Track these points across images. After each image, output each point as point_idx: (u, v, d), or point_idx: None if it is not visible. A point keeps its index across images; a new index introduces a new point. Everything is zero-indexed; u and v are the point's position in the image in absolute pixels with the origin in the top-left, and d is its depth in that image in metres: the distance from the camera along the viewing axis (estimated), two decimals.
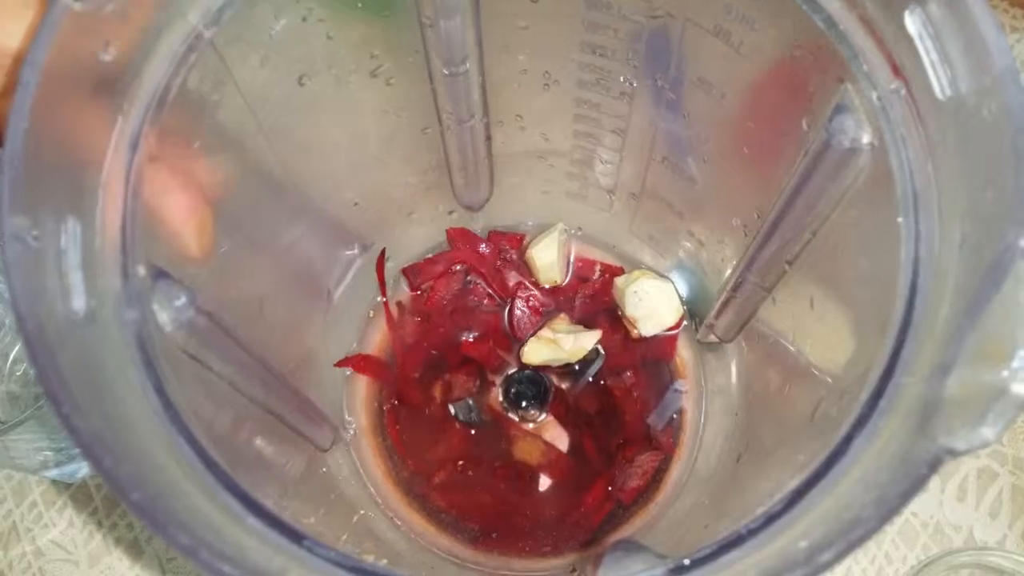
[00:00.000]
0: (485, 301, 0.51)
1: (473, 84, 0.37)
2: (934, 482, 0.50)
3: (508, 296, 0.51)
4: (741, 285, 0.39)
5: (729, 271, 0.42)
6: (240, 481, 0.23)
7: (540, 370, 0.49)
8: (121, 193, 0.24)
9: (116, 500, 0.49)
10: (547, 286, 0.51)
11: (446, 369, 0.50)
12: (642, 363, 0.49)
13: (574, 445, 0.48)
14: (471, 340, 0.50)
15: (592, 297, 0.51)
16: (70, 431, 0.21)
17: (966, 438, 0.19)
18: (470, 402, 0.49)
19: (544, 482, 0.48)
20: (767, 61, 0.32)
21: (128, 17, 0.24)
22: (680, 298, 0.49)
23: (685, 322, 0.49)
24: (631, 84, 0.38)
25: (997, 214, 0.21)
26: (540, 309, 0.50)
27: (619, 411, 0.48)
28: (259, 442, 0.34)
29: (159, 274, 0.25)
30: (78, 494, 0.52)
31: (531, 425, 0.49)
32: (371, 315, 0.51)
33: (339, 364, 0.49)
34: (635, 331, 0.49)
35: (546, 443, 0.48)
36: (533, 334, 0.49)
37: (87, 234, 0.23)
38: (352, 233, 0.47)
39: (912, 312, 0.23)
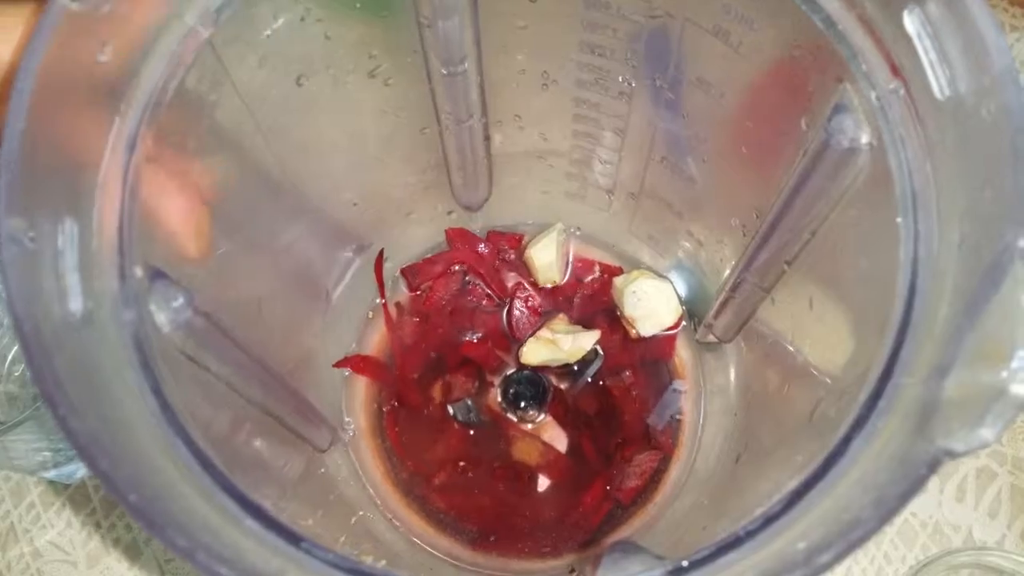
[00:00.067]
0: (484, 301, 0.51)
1: (471, 84, 0.37)
2: (933, 482, 0.50)
3: (507, 296, 0.51)
4: (740, 285, 0.39)
5: (728, 271, 0.42)
6: (238, 482, 0.23)
7: (539, 370, 0.49)
8: (118, 194, 0.24)
9: (114, 501, 0.49)
10: (546, 286, 0.51)
11: (445, 370, 0.50)
12: (641, 363, 0.49)
13: (573, 445, 0.48)
14: (470, 341, 0.50)
15: (591, 297, 0.51)
16: (66, 433, 0.20)
17: (965, 439, 0.19)
18: (469, 403, 0.49)
19: (543, 482, 0.48)
20: (766, 61, 0.32)
21: (125, 18, 0.24)
22: (679, 298, 0.49)
23: (684, 322, 0.49)
24: (630, 84, 0.38)
25: (996, 214, 0.21)
26: (539, 309, 0.50)
27: (618, 411, 0.48)
28: (257, 443, 0.34)
29: (156, 275, 0.25)
30: (76, 495, 0.52)
31: (530, 426, 0.49)
32: (370, 316, 0.51)
33: (338, 365, 0.49)
34: (634, 331, 0.49)
35: (545, 443, 0.48)
36: (532, 334, 0.49)
37: (84, 235, 0.23)
38: (351, 233, 0.47)
39: (911, 312, 0.23)
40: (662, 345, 0.49)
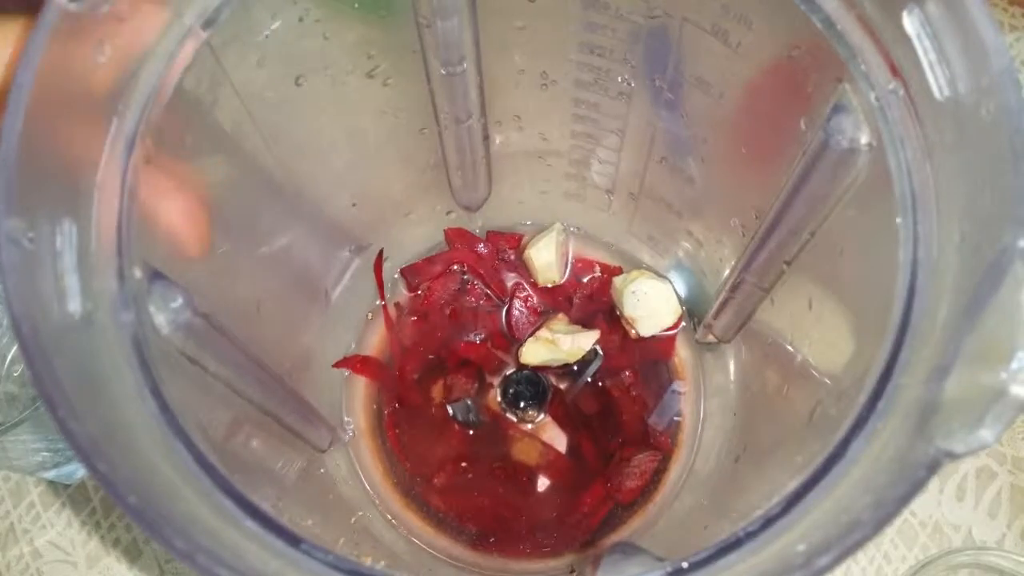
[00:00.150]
0: (483, 301, 0.51)
1: (471, 84, 0.37)
2: (933, 482, 0.50)
3: (506, 296, 0.51)
4: (739, 285, 0.39)
5: (727, 271, 0.42)
6: (237, 483, 0.23)
7: (538, 370, 0.49)
8: (117, 195, 0.24)
9: (114, 501, 0.49)
10: (546, 286, 0.51)
11: (445, 370, 0.50)
12: (640, 363, 0.49)
13: (572, 446, 0.48)
14: (469, 341, 0.50)
15: (590, 297, 0.51)
16: (65, 434, 0.20)
17: (964, 440, 0.19)
18: (468, 403, 0.49)
19: (542, 483, 0.48)
20: (765, 61, 0.32)
21: (123, 18, 0.24)
22: (679, 298, 0.49)
23: (683, 322, 0.49)
24: (629, 84, 0.38)
25: (996, 215, 0.21)
26: (538, 309, 0.50)
27: (617, 411, 0.48)
28: (256, 444, 0.34)
29: (155, 276, 0.25)
30: (76, 495, 0.52)
31: (529, 426, 0.49)
32: (369, 316, 0.51)
33: (337, 365, 0.49)
34: (633, 331, 0.49)
35: (544, 444, 0.48)
36: (531, 334, 0.49)
37: (82, 236, 0.23)
38: (350, 234, 0.47)
39: (910, 313, 0.23)
40: (662, 345, 0.49)
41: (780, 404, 0.38)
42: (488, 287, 0.51)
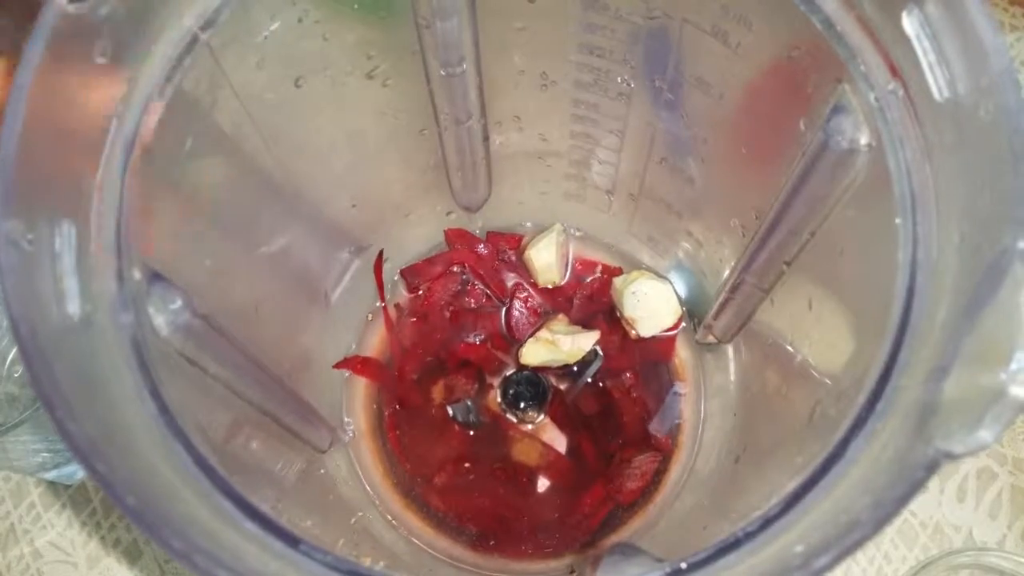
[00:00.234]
0: (483, 302, 0.51)
1: (470, 85, 0.37)
2: (933, 482, 0.50)
3: (506, 297, 0.51)
4: (739, 286, 0.39)
5: (727, 272, 0.42)
6: (236, 484, 0.23)
7: (538, 371, 0.49)
8: (116, 196, 0.24)
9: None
10: (546, 287, 0.51)
11: (445, 371, 0.50)
12: (641, 364, 0.49)
13: (572, 446, 0.48)
14: (469, 342, 0.50)
15: (590, 298, 0.51)
16: (64, 435, 0.20)
17: (964, 441, 0.19)
18: (468, 403, 0.49)
19: (543, 483, 0.48)
20: (765, 61, 0.32)
21: (123, 20, 0.24)
22: (679, 299, 0.49)
23: (683, 323, 0.49)
24: (629, 85, 0.38)
25: (995, 215, 0.21)
26: (538, 310, 0.50)
27: (617, 412, 0.48)
28: (256, 445, 0.34)
29: (154, 277, 0.25)
30: (76, 496, 0.52)
31: (529, 426, 0.49)
32: (369, 317, 0.51)
33: (337, 366, 0.49)
34: (634, 332, 0.49)
35: (544, 444, 0.48)
36: (531, 335, 0.49)
37: (82, 238, 0.23)
38: (349, 234, 0.47)
39: (910, 314, 0.23)
40: (662, 346, 0.49)
41: (780, 404, 0.38)
42: (488, 288, 0.51)
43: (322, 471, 0.43)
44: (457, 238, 0.51)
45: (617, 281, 0.49)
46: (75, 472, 0.50)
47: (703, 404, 0.49)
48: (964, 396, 0.20)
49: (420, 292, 0.51)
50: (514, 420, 0.49)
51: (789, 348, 0.37)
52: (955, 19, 0.22)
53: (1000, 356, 0.19)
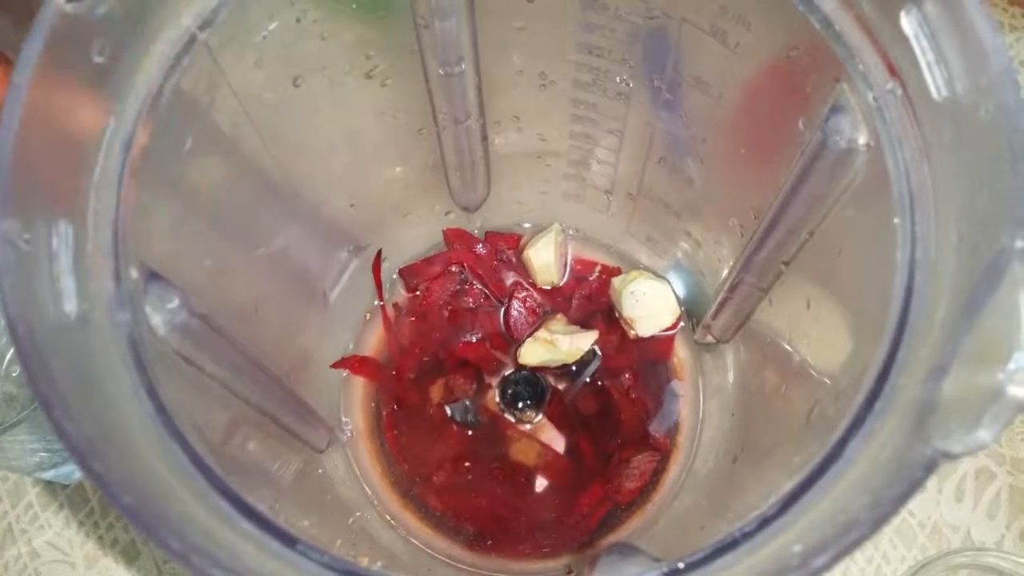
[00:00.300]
0: (482, 302, 0.51)
1: (469, 85, 0.37)
2: (932, 482, 0.50)
3: (505, 297, 0.51)
4: (738, 286, 0.39)
5: (726, 271, 0.42)
6: (234, 484, 0.23)
7: (537, 371, 0.49)
8: (113, 195, 0.24)
9: None
10: (544, 287, 0.51)
11: (443, 370, 0.50)
12: (639, 364, 0.49)
13: (571, 446, 0.48)
14: (468, 341, 0.50)
15: (589, 298, 0.51)
16: (61, 435, 0.20)
17: (962, 440, 0.19)
18: (467, 403, 0.49)
19: (541, 483, 0.48)
20: (764, 61, 0.32)
21: (120, 19, 0.24)
22: (677, 298, 0.49)
23: (682, 323, 0.49)
24: (628, 84, 0.38)
25: (994, 215, 0.21)
26: (537, 310, 0.50)
27: (616, 412, 0.48)
28: (253, 445, 0.34)
29: (152, 276, 0.25)
30: (74, 496, 0.51)
31: (528, 426, 0.49)
32: (367, 317, 0.51)
33: (335, 366, 0.49)
34: (632, 332, 0.49)
35: (543, 444, 0.48)
36: (530, 335, 0.49)
37: (79, 237, 0.23)
38: (348, 234, 0.47)
39: (908, 313, 0.23)
40: (660, 345, 0.49)
41: (778, 404, 0.38)
42: (487, 288, 0.51)
43: (320, 471, 0.43)
44: (456, 238, 0.51)
45: (616, 281, 0.49)
46: (73, 472, 0.50)
47: (701, 404, 0.49)
48: (962, 396, 0.20)
49: (418, 292, 0.51)
50: (512, 420, 0.49)
51: (787, 348, 0.37)
52: (954, 19, 0.22)
53: (999, 356, 0.19)
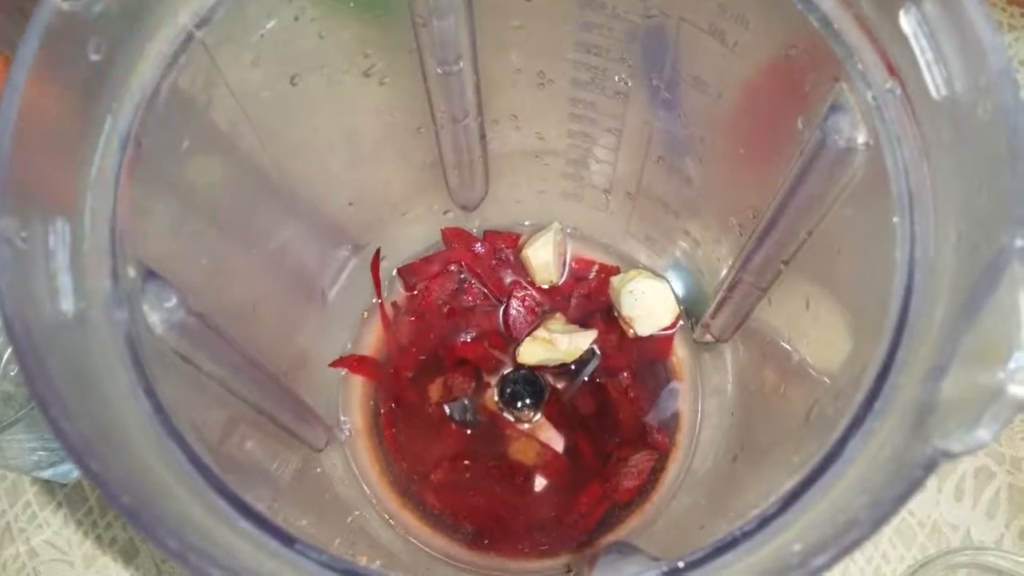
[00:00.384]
0: (480, 301, 0.51)
1: (467, 83, 0.37)
2: (931, 481, 0.50)
3: (504, 296, 0.51)
4: (737, 285, 0.39)
5: (725, 271, 0.42)
6: (232, 483, 0.23)
7: (536, 370, 0.49)
8: (110, 194, 0.24)
9: None
10: (543, 286, 0.51)
11: (442, 369, 0.50)
12: (638, 363, 0.49)
13: (569, 445, 0.48)
14: (466, 340, 0.50)
15: (588, 297, 0.51)
16: (58, 434, 0.20)
17: (962, 440, 0.19)
18: (465, 402, 0.49)
19: (539, 482, 0.48)
20: (762, 60, 0.32)
21: (117, 17, 0.24)
22: (676, 298, 0.49)
23: (681, 322, 0.49)
24: (626, 83, 0.38)
25: (993, 214, 0.21)
26: (536, 309, 0.50)
27: (615, 411, 0.48)
28: (251, 444, 0.34)
29: (149, 275, 0.25)
30: (72, 494, 0.51)
31: (526, 425, 0.49)
32: (366, 315, 0.51)
33: (334, 365, 0.48)
34: (631, 331, 0.49)
35: (541, 443, 0.48)
36: (529, 334, 0.49)
37: (76, 235, 0.23)
38: (346, 233, 0.47)
39: (907, 313, 0.23)
40: (659, 345, 0.49)
41: (777, 404, 0.38)
42: (485, 287, 0.51)
43: (318, 470, 0.43)
44: (454, 237, 0.51)
45: (615, 280, 0.49)
46: (71, 470, 0.50)
47: (700, 403, 0.49)
48: (962, 395, 0.20)
49: (417, 291, 0.51)
50: (511, 419, 0.49)
51: (787, 347, 0.37)
52: (953, 18, 0.22)
53: (998, 355, 0.19)
